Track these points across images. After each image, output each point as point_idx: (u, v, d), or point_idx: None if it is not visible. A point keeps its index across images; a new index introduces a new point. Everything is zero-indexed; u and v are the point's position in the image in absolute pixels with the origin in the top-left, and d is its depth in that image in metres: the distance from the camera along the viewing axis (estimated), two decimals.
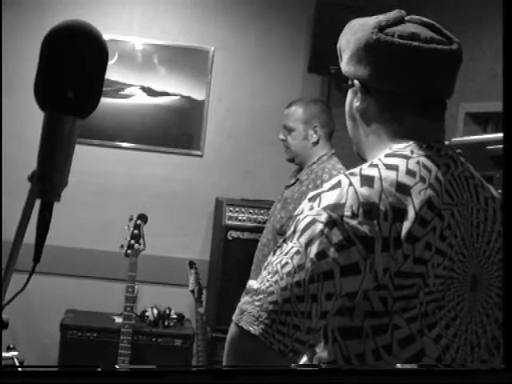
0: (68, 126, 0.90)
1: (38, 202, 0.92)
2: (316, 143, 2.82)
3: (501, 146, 1.59)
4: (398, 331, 1.07)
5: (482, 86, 3.40)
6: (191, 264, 3.58)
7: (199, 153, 4.02)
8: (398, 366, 1.04)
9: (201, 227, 4.01)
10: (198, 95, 3.98)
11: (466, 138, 1.87)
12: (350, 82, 1.23)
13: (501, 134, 1.63)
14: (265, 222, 3.90)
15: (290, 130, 2.86)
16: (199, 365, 3.47)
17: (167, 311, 3.71)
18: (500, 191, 1.31)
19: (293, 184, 2.86)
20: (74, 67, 0.88)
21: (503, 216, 1.18)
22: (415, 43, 1.14)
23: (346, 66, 1.22)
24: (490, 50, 3.35)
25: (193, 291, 3.51)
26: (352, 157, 1.15)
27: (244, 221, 3.66)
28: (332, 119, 2.93)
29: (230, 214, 3.67)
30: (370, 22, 1.18)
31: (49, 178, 0.90)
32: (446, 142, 1.24)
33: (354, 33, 1.19)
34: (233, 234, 3.61)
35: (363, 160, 1.22)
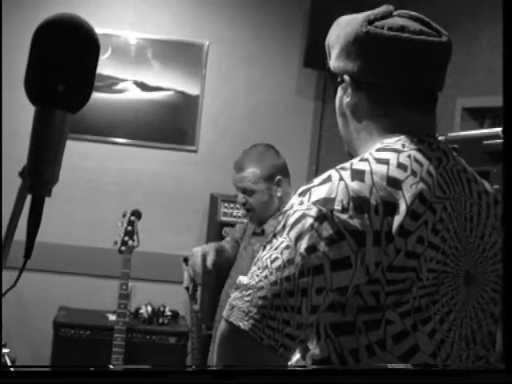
0: (59, 120, 0.89)
1: (28, 198, 0.91)
2: (281, 197, 2.55)
3: (498, 140, 1.58)
4: (391, 326, 1.07)
5: (479, 80, 3.39)
6: (186, 261, 3.56)
7: (193, 148, 4.00)
8: (397, 366, 1.03)
9: (195, 223, 3.99)
10: (193, 90, 3.96)
11: (462, 133, 1.85)
12: (339, 79, 1.22)
13: (498, 129, 1.62)
14: None
15: (251, 193, 2.55)
16: (194, 362, 3.46)
17: (161, 308, 3.70)
18: (496, 186, 1.30)
19: (261, 233, 2.58)
20: (64, 61, 0.87)
21: (503, 211, 1.17)
22: (405, 35, 1.14)
23: (335, 61, 1.22)
24: (487, 45, 3.34)
25: (187, 288, 3.49)
26: (343, 162, 1.13)
27: (239, 217, 3.64)
28: (283, 159, 2.66)
29: (225, 210, 3.65)
30: (359, 16, 1.19)
31: (40, 173, 0.89)
32: (443, 137, 1.23)
33: (343, 28, 1.20)
34: (227, 230, 3.59)
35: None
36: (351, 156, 1.25)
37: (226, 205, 3.67)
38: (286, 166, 2.63)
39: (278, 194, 2.55)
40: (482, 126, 3.53)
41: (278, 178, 2.56)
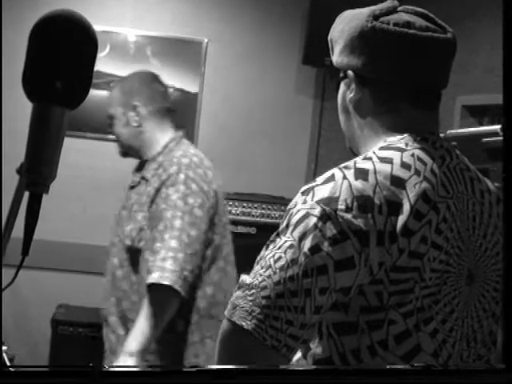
0: (56, 117, 0.88)
1: (26, 195, 0.90)
2: (143, 128, 2.18)
3: (497, 138, 1.57)
4: (393, 326, 1.06)
5: (478, 78, 3.38)
6: None
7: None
8: (397, 366, 1.02)
9: None
10: (192, 87, 3.95)
11: (461, 131, 1.84)
12: (342, 75, 1.21)
13: (497, 127, 1.61)
14: (259, 216, 3.84)
15: (111, 118, 2.25)
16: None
17: None
18: (496, 184, 1.29)
19: (138, 184, 2.22)
20: (62, 57, 0.87)
21: (503, 209, 1.17)
22: (411, 31, 1.13)
23: (338, 56, 1.20)
24: (487, 42, 3.33)
25: None
26: (342, 161, 1.12)
27: (238, 215, 3.64)
28: (162, 92, 2.27)
29: None
30: (364, 11, 1.17)
31: (37, 171, 0.88)
32: (442, 135, 1.22)
33: (347, 23, 1.18)
34: None
35: (356, 156, 1.20)
36: (352, 152, 1.24)
37: (225, 202, 3.66)
38: (156, 96, 2.23)
39: (134, 124, 2.18)
40: (481, 124, 3.52)
41: (135, 103, 2.18)
